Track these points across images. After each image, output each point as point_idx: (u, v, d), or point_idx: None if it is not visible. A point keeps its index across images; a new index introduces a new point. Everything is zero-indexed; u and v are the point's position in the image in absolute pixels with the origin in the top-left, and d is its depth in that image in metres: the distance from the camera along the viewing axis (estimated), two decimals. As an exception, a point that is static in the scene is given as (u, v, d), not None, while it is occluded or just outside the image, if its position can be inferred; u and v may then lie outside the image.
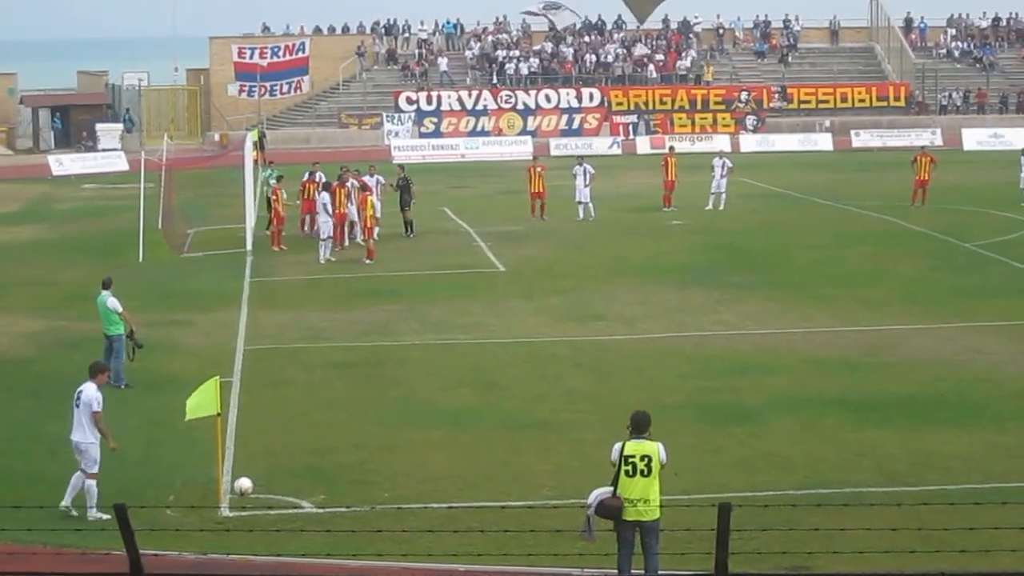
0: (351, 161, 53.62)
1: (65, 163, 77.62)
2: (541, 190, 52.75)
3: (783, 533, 16.96)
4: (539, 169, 53.33)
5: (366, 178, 47.17)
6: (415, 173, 50.90)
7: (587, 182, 52.27)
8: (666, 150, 61.76)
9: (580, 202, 52.44)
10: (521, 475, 22.14)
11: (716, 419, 25.17)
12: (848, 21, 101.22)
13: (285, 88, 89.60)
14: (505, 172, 72.21)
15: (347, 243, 45.95)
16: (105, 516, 19.89)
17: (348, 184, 46.36)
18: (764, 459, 22.81)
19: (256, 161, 55.77)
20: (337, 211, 45.33)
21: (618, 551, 16.71)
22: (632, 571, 16.57)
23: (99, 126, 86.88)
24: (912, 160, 55.79)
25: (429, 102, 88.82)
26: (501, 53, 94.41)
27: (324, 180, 47.53)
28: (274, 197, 47.22)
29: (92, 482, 20.51)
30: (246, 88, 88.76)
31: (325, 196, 44.71)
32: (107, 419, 25.22)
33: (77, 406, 20.83)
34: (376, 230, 43.96)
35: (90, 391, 20.87)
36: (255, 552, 17.91)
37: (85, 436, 20.69)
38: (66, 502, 20.43)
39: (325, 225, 44.21)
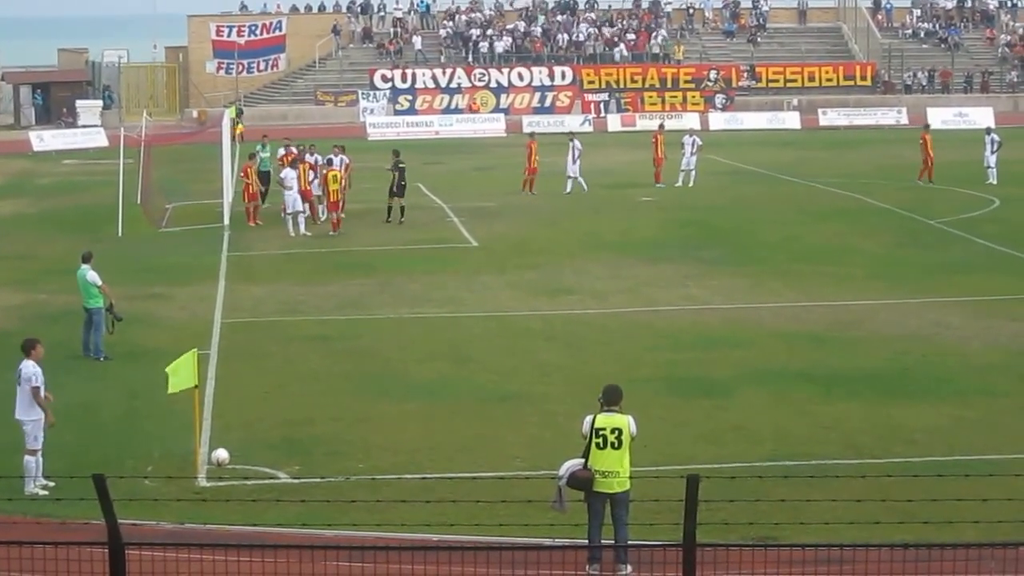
0: (327, 138, 53.73)
1: (46, 139, 77.37)
2: (536, 166, 53.15)
3: (750, 504, 17.05)
4: (535, 146, 53.72)
5: (309, 157, 46.89)
6: (390, 150, 50.75)
7: (575, 158, 52.93)
8: (655, 127, 61.75)
9: (569, 176, 53.17)
10: (493, 447, 22.33)
11: (685, 392, 25.40)
12: (816, 1, 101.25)
13: (262, 66, 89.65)
14: (478, 149, 72.35)
15: (322, 217, 46.11)
16: (42, 492, 19.88)
17: (312, 160, 46.52)
18: (732, 431, 23.04)
19: (233, 137, 55.79)
20: (304, 187, 45.49)
21: (588, 522, 16.91)
22: (602, 541, 16.77)
23: (79, 103, 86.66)
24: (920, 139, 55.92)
25: (404, 80, 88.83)
26: (474, 32, 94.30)
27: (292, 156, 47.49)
28: (243, 174, 47.28)
29: (31, 458, 20.29)
30: (224, 66, 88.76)
31: (290, 172, 44.81)
32: (87, 391, 25.71)
33: (19, 384, 20.66)
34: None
35: (28, 368, 20.63)
36: (231, 522, 17.89)
37: (27, 414, 20.50)
38: (30, 488, 19.99)
39: (291, 200, 44.34)
